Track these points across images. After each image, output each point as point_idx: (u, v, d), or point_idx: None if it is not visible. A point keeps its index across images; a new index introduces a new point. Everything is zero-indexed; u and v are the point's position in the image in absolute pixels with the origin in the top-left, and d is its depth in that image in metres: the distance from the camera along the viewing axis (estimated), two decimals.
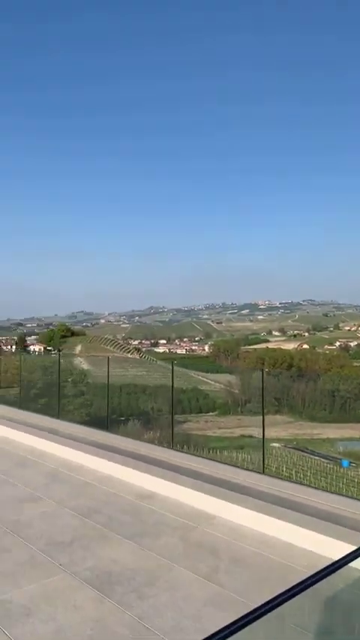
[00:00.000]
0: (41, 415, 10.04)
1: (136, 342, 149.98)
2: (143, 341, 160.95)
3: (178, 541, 4.36)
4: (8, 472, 6.33)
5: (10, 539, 4.34)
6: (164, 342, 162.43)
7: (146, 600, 3.39)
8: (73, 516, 4.86)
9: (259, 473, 6.32)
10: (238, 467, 5.97)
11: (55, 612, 3.23)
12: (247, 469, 7.08)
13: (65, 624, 3.10)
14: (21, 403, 13.28)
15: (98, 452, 6.82)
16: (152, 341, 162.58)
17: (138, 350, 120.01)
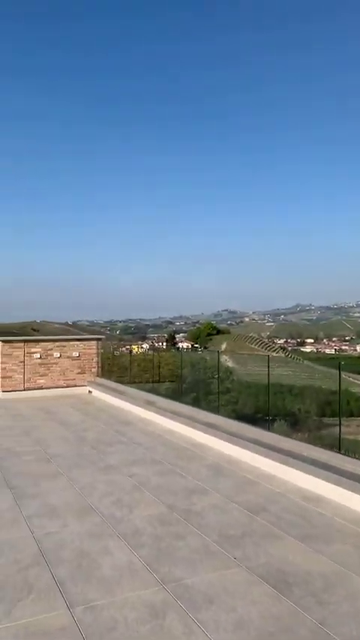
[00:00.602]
0: (197, 409, 10.35)
1: (281, 341, 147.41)
2: (289, 340, 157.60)
3: (352, 549, 4.16)
4: (175, 463, 6.66)
5: (184, 527, 4.54)
6: (311, 341, 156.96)
7: (326, 606, 3.29)
8: (241, 511, 4.93)
9: None
10: None
11: (235, 604, 3.29)
12: None
13: (246, 617, 3.15)
14: (177, 397, 13.89)
15: (258, 449, 6.81)
16: (298, 340, 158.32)
17: (283, 349, 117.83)
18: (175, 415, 9.27)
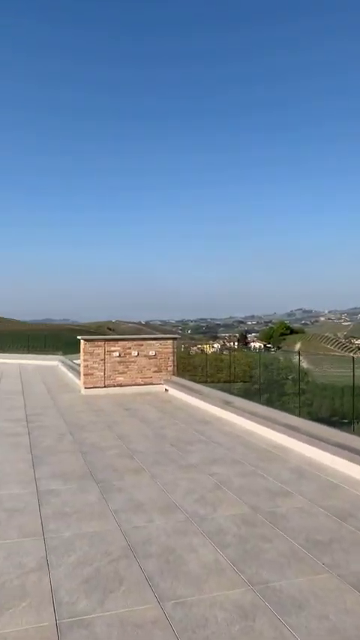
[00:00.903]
0: (274, 410, 10.20)
1: (359, 342, 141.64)
2: None
3: None
4: (256, 464, 6.60)
5: (270, 529, 4.49)
6: None
7: None
8: (327, 516, 4.79)
9: None
10: None
11: (326, 611, 3.21)
12: None
13: (339, 625, 3.05)
14: (250, 397, 13.78)
15: (341, 452, 6.59)
16: None
17: None
18: (252, 415, 9.19)
